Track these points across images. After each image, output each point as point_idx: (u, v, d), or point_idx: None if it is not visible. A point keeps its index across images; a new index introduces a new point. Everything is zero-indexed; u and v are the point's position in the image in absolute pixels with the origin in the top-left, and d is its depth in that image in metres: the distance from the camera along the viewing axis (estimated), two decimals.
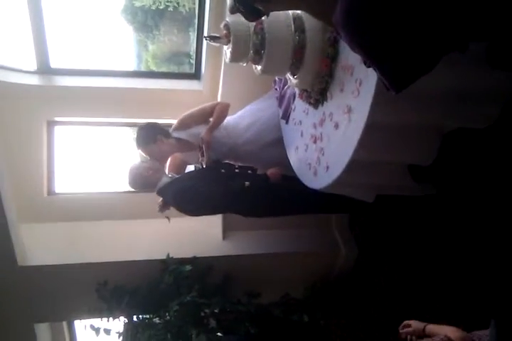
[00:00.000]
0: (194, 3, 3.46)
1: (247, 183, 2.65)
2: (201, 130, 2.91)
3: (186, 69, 4.29)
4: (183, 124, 3.00)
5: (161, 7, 6.18)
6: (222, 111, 2.96)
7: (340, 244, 3.70)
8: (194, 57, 3.56)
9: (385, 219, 3.15)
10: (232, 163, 3.05)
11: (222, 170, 2.84)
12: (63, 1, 4.09)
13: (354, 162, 1.90)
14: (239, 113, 3.12)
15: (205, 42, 3.25)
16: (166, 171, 2.95)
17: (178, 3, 5.29)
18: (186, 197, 2.71)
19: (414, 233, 3.02)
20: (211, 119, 2.96)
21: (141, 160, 2.95)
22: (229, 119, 3.05)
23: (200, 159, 2.83)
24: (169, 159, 2.99)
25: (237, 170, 2.91)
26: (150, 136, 2.89)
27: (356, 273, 3.53)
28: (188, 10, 5.01)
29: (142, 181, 2.84)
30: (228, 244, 3.63)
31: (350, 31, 0.97)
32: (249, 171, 2.91)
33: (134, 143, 2.98)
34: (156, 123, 2.99)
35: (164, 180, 2.81)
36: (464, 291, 2.65)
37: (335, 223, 3.81)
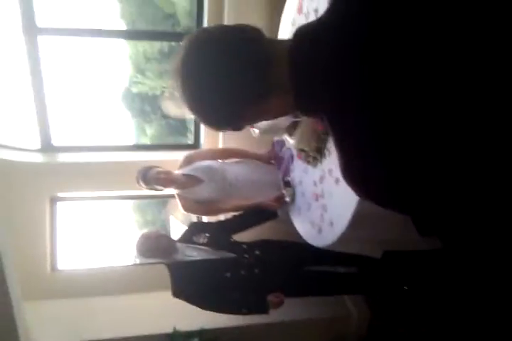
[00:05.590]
0: None
1: (244, 311, 2.89)
2: (207, 163, 3.01)
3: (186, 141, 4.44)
4: (189, 161, 3.08)
5: (158, 93, 6.42)
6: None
7: (351, 307, 3.61)
8: (193, 128, 3.69)
9: (393, 276, 3.09)
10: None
11: (227, 275, 2.79)
12: (65, 83, 4.32)
13: (358, 215, 1.91)
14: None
15: None
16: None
17: None
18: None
19: (424, 289, 2.96)
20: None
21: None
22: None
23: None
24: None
25: (243, 272, 2.84)
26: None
27: (372, 337, 3.40)
28: None
29: (151, 246, 2.76)
30: None
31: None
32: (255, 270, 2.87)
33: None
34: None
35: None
36: None
37: None
